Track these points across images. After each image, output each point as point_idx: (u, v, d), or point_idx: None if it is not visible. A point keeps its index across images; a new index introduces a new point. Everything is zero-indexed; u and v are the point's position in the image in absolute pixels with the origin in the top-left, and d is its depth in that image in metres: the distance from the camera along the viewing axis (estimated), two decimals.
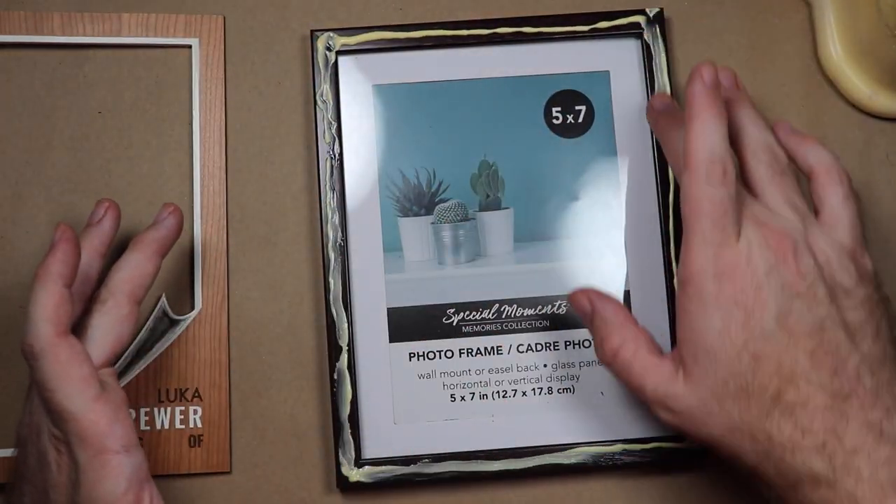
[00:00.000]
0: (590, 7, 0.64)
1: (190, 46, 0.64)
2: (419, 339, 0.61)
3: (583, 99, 0.63)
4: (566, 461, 0.59)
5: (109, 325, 0.52)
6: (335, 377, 0.60)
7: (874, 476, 0.45)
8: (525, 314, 0.61)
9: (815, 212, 0.54)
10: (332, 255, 0.60)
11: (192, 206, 0.63)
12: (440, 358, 0.61)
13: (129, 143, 0.63)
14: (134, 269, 0.54)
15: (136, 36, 0.64)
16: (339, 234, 0.60)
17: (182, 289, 0.62)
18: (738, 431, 0.48)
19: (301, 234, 0.63)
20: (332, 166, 0.61)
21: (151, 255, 0.55)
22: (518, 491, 0.61)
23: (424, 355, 0.61)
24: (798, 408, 0.47)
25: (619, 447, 0.60)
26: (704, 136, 0.50)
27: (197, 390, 0.61)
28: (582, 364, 0.61)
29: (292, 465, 0.61)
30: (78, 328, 0.53)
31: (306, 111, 0.64)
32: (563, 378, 0.61)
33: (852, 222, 0.53)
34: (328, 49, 0.62)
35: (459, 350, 0.61)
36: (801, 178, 0.56)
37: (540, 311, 0.61)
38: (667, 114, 0.57)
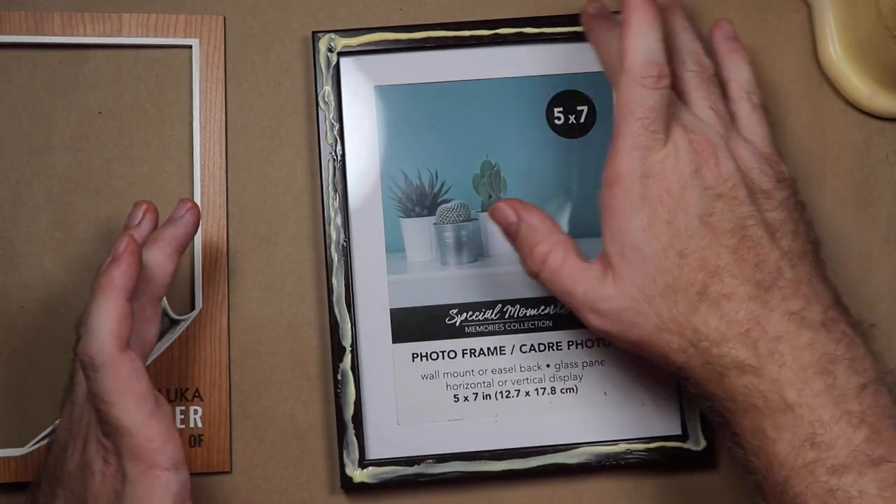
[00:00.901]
0: None
1: (190, 46, 0.64)
2: (422, 340, 0.61)
3: (584, 99, 0.63)
4: (570, 461, 0.59)
5: (136, 329, 0.51)
6: (339, 378, 0.60)
7: (796, 360, 0.47)
8: (528, 314, 0.61)
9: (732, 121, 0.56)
10: (335, 256, 0.60)
11: None
12: (443, 358, 0.61)
13: (129, 143, 0.63)
14: (155, 269, 0.53)
15: (136, 36, 0.64)
16: (342, 234, 0.60)
17: (182, 289, 0.62)
18: (666, 330, 0.49)
19: (301, 235, 0.63)
20: (334, 167, 0.61)
21: (171, 253, 0.54)
22: (522, 491, 0.61)
23: (427, 356, 0.61)
24: (723, 300, 0.48)
25: (622, 447, 0.60)
26: (641, 38, 0.51)
27: (197, 390, 0.61)
28: (585, 364, 0.61)
29: (293, 466, 0.61)
30: None
31: (307, 112, 0.64)
32: (567, 378, 0.61)
33: (765, 132, 0.56)
34: (330, 50, 0.62)
35: (462, 350, 0.61)
36: None
37: (543, 311, 0.61)
38: (601, 18, 0.57)
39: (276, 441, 0.61)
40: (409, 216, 0.62)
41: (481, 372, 0.61)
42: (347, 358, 0.60)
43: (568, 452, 0.60)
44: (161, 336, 0.60)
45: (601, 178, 0.52)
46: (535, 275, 0.54)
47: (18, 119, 0.63)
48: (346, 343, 0.60)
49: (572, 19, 0.63)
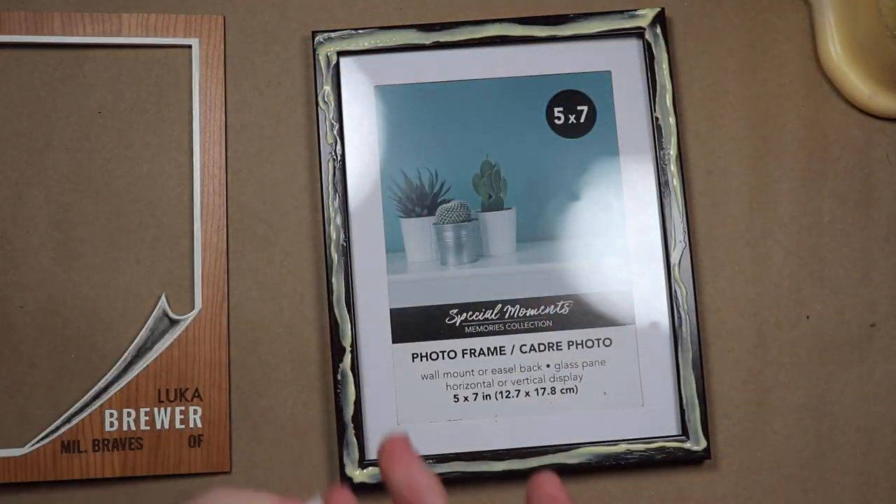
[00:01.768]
0: (590, 7, 0.64)
1: (190, 46, 0.64)
2: (422, 340, 0.61)
3: (585, 99, 0.63)
4: (570, 461, 0.59)
5: None
6: (339, 378, 0.60)
7: None
8: (528, 314, 0.61)
9: None
10: (334, 256, 0.60)
11: (192, 206, 0.62)
12: (443, 358, 0.61)
13: (129, 143, 0.63)
14: None
15: (136, 36, 0.64)
16: (342, 234, 0.60)
17: (182, 289, 0.62)
18: None
19: (301, 235, 0.63)
20: (334, 167, 0.61)
21: None
22: (522, 491, 0.61)
23: (427, 356, 0.61)
24: None
25: (622, 447, 0.60)
26: None
27: (197, 390, 0.61)
28: (585, 364, 0.61)
29: (293, 466, 0.61)
30: None
31: (307, 112, 0.64)
32: (567, 378, 0.61)
33: None
34: (329, 50, 0.62)
35: (462, 350, 0.61)
36: None
37: (543, 311, 0.61)
38: None
39: (276, 441, 0.61)
40: (409, 216, 0.62)
41: (481, 372, 0.61)
42: (347, 358, 0.60)
43: (568, 452, 0.60)
44: (161, 336, 0.61)
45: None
46: None
47: (18, 119, 0.63)
48: (346, 343, 0.60)
49: (572, 19, 0.63)
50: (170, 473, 0.60)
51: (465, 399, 0.61)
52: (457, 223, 0.62)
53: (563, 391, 0.61)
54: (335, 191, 0.61)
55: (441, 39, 0.63)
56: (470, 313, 0.61)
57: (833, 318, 0.64)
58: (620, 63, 0.63)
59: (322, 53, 0.62)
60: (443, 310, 0.61)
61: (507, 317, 0.61)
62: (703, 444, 0.60)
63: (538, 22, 0.63)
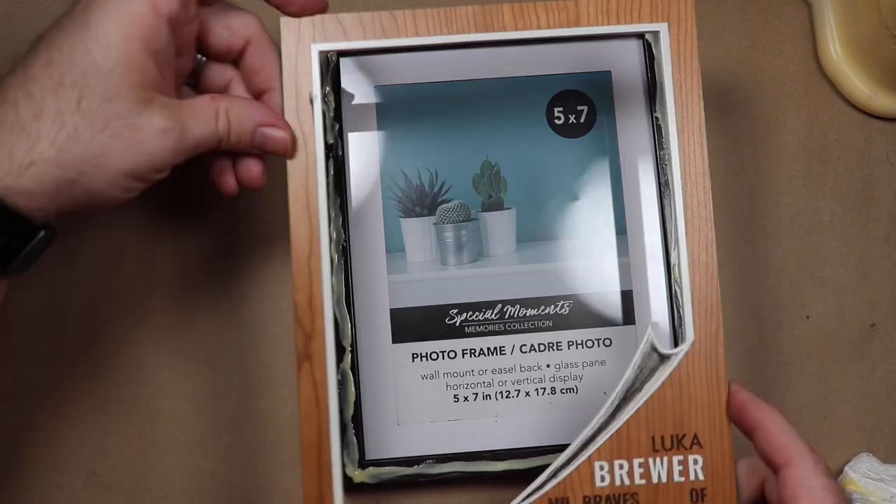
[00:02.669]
0: None
1: None
2: (422, 340, 0.61)
3: (585, 99, 0.63)
4: None
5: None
6: (339, 378, 0.59)
7: None
8: (528, 314, 0.61)
9: None
10: (335, 256, 0.60)
11: None
12: (443, 358, 0.61)
13: None
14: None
15: None
16: (342, 235, 0.60)
17: (182, 288, 0.62)
18: None
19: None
20: (334, 167, 0.61)
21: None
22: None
23: (427, 356, 0.61)
24: None
25: None
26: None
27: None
28: (585, 364, 0.61)
29: (293, 466, 0.61)
30: None
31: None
32: (567, 378, 0.61)
33: None
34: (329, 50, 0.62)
35: (462, 350, 0.61)
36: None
37: (543, 311, 0.61)
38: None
39: (276, 441, 0.61)
40: (409, 216, 0.62)
41: (481, 372, 0.61)
42: (347, 358, 0.60)
43: None
44: None
45: None
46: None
47: None
48: (346, 343, 0.60)
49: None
50: None
51: (465, 399, 0.61)
52: (457, 223, 0.62)
53: (564, 391, 0.61)
54: (335, 191, 0.61)
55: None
56: (470, 313, 0.61)
57: (833, 318, 0.64)
58: (620, 63, 0.63)
59: (322, 53, 0.62)
60: (443, 310, 0.61)
61: (507, 317, 0.61)
62: None
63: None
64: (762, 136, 0.65)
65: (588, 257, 0.62)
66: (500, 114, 0.63)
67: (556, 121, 0.63)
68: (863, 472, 0.62)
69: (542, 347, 0.61)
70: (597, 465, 0.53)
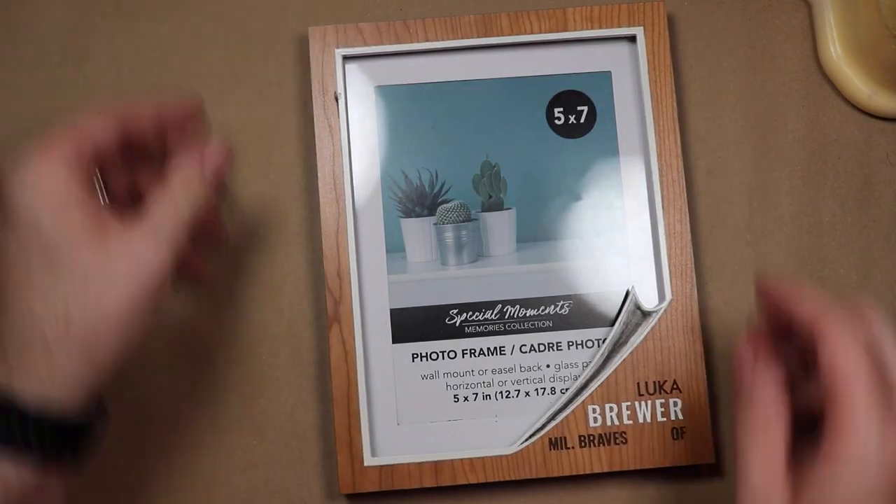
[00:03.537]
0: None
1: None
2: (422, 340, 0.61)
3: (585, 99, 0.63)
4: None
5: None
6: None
7: None
8: (528, 315, 0.61)
9: None
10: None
11: None
12: (443, 359, 0.61)
13: None
14: None
15: None
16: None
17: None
18: None
19: (301, 235, 0.63)
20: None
21: None
22: (522, 491, 0.61)
23: (427, 356, 0.61)
24: None
25: None
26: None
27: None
28: (584, 364, 0.61)
29: (293, 466, 0.61)
30: None
31: (307, 112, 0.64)
32: (566, 378, 0.61)
33: None
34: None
35: (462, 351, 0.61)
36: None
37: (543, 311, 0.61)
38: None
39: (276, 441, 0.61)
40: (409, 216, 0.62)
41: (481, 372, 0.61)
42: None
43: None
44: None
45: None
46: None
47: (19, 119, 0.63)
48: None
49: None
50: None
51: (466, 399, 0.61)
52: (457, 223, 0.62)
53: (563, 391, 0.61)
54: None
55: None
56: (470, 313, 0.61)
57: None
58: (621, 63, 0.63)
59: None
60: (443, 310, 0.61)
61: (507, 317, 0.61)
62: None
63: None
64: (762, 136, 0.65)
65: (589, 257, 0.62)
66: (501, 114, 0.63)
67: (557, 121, 0.63)
68: None
69: (542, 347, 0.61)
70: (590, 408, 0.60)
